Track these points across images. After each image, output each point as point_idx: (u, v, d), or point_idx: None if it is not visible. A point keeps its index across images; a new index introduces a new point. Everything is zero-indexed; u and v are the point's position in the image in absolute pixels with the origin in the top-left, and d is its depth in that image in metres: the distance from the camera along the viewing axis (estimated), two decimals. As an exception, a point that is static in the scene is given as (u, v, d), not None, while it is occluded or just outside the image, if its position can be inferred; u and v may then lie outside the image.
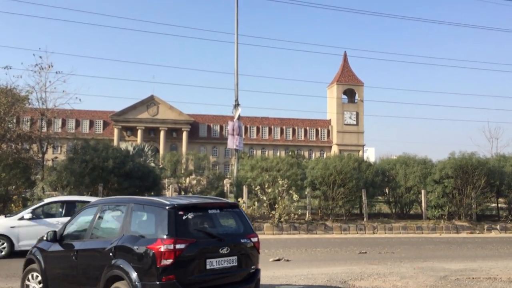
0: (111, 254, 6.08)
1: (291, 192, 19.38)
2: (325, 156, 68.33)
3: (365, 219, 20.69)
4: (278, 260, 12.52)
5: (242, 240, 6.39)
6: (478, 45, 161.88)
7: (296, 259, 12.88)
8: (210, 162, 23.66)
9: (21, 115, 22.91)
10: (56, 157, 25.94)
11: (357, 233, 19.46)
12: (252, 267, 6.47)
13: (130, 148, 28.09)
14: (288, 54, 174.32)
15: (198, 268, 5.84)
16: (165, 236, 5.66)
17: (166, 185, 23.03)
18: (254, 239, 6.52)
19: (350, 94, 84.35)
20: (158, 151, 64.31)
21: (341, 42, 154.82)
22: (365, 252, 14.20)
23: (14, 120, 21.49)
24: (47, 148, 21.59)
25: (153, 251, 5.62)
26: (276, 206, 19.22)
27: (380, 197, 24.35)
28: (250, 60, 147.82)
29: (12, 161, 19.15)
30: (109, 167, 18.47)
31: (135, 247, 5.86)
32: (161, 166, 22.69)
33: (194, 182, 21.31)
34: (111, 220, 6.75)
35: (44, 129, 21.97)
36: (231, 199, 22.42)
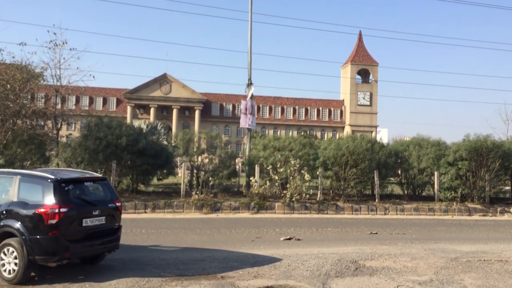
0: (1, 216, 7.58)
1: (303, 172, 19.38)
2: (337, 136, 68.05)
3: (376, 200, 20.67)
4: (289, 239, 12.61)
5: (109, 205, 8.29)
6: (496, 26, 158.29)
7: (307, 238, 12.96)
8: (222, 141, 23.61)
9: (36, 92, 23.07)
10: (71, 134, 26.15)
11: (368, 214, 19.48)
12: (116, 224, 8.40)
13: (143, 126, 28.28)
14: (302, 33, 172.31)
15: (76, 225, 7.63)
16: (51, 202, 7.36)
17: (179, 163, 23.17)
18: (118, 204, 8.47)
19: (364, 74, 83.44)
20: (170, 129, 64.64)
21: (357, 21, 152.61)
22: (376, 233, 14.23)
23: (29, 97, 21.66)
24: (61, 125, 21.78)
25: (41, 214, 7.29)
26: (288, 185, 19.26)
27: (392, 179, 24.25)
28: (264, 38, 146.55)
29: (27, 137, 19.38)
30: (123, 145, 18.61)
31: (25, 211, 7.44)
32: (173, 144, 22.75)
33: (206, 160, 21.33)
34: (0, 189, 8.07)
35: (59, 106, 22.12)
36: (243, 178, 22.52)
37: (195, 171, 21.42)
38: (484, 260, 10.16)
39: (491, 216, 20.19)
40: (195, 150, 21.38)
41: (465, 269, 9.29)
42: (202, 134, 22.55)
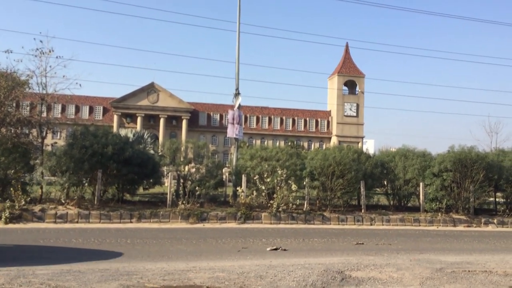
0: None
1: (290, 182, 19.41)
2: (324, 147, 68.35)
3: (363, 211, 20.76)
4: (276, 249, 12.58)
5: None
6: (480, 39, 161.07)
7: (293, 248, 12.94)
8: (209, 151, 23.57)
9: (21, 100, 22.76)
10: (56, 142, 25.89)
11: (355, 224, 19.54)
12: None
13: (130, 135, 28.07)
14: (290, 44, 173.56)
15: None
16: None
17: (165, 173, 23.04)
18: None
19: (351, 85, 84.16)
20: (157, 138, 64.31)
21: (344, 33, 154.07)
22: (362, 243, 14.27)
23: (14, 104, 21.37)
24: (46, 133, 21.52)
25: None
26: (275, 195, 19.27)
27: (378, 189, 24.42)
28: (252, 49, 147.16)
29: (11, 145, 19.09)
30: (109, 153, 18.46)
31: None
32: (160, 153, 22.64)
33: (193, 170, 21.26)
34: None
35: (44, 114, 21.87)
36: (230, 188, 22.46)
37: (181, 180, 21.32)
38: (469, 271, 10.23)
39: (475, 227, 20.40)
40: (182, 159, 21.30)
41: (450, 279, 9.34)
42: (189, 144, 22.48)
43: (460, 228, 20.03)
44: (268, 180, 19.56)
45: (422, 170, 21.89)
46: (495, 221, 21.07)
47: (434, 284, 8.92)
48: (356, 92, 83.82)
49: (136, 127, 66.04)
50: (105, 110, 76.60)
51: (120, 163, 18.72)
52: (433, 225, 20.09)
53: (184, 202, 18.53)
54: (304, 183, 20.59)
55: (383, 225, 19.72)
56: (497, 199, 24.12)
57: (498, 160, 22.71)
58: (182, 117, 76.16)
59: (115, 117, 73.54)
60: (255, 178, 19.76)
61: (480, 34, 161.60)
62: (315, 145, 78.46)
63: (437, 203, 21.22)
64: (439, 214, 20.80)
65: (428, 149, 24.38)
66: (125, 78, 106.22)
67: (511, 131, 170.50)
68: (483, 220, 20.97)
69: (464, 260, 11.73)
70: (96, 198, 18.42)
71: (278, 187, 19.38)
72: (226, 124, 27.73)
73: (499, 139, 74.29)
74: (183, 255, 11.22)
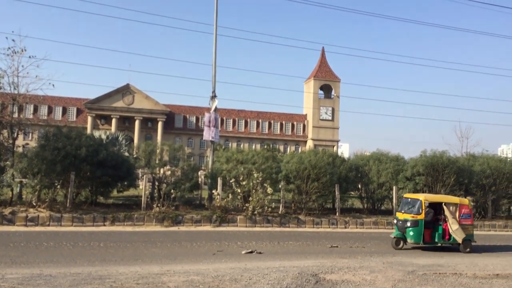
0: None
1: (266, 185, 19.46)
2: (300, 150, 68.70)
3: (337, 214, 20.95)
4: (251, 252, 12.59)
5: None
6: (453, 47, 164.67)
7: (268, 251, 12.98)
8: (185, 153, 23.46)
9: (-8, 100, 22.26)
10: (27, 144, 25.35)
11: (329, 227, 19.70)
12: None
13: (104, 137, 27.65)
14: (267, 47, 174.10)
15: None
16: None
17: (140, 175, 22.79)
18: None
19: (326, 89, 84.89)
20: (132, 140, 63.62)
21: (320, 37, 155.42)
22: (337, 246, 14.41)
23: (-16, 105, 20.87)
24: (18, 134, 21.06)
25: None
26: (250, 199, 19.28)
27: (353, 193, 24.68)
28: (229, 52, 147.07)
29: (-19, 146, 18.63)
30: (82, 155, 18.16)
31: None
32: (135, 155, 22.39)
33: (168, 172, 21.07)
34: None
35: (15, 115, 21.41)
36: (205, 191, 22.36)
37: (156, 183, 21.13)
38: (440, 273, 10.45)
39: (446, 230, 20.77)
40: (157, 162, 21.11)
41: (421, 282, 9.51)
42: (164, 146, 22.31)
43: (432, 231, 20.38)
44: (244, 183, 19.56)
45: (395, 174, 22.24)
46: (465, 224, 21.52)
47: (406, 286, 9.07)
48: (332, 96, 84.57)
49: (110, 129, 65.18)
50: (79, 112, 75.31)
51: (94, 165, 18.44)
52: (405, 228, 20.39)
53: (159, 205, 18.37)
54: (280, 186, 20.66)
55: (357, 228, 19.94)
56: (467, 203, 24.62)
57: (469, 165, 23.25)
58: (158, 119, 75.49)
59: (89, 119, 72.37)
60: (231, 181, 19.73)
61: (454, 42, 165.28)
62: (291, 149, 78.77)
63: (410, 207, 21.55)
64: (412, 217, 21.13)
65: (401, 154, 24.84)
66: (99, 79, 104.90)
67: (481, 137, 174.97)
68: (454, 223, 21.38)
69: (435, 262, 11.98)
70: (68, 200, 18.10)
71: (253, 190, 19.40)
72: (202, 126, 27.65)
73: (470, 144, 75.85)
74: (157, 258, 11.13)
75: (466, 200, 15.62)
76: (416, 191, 21.54)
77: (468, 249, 14.78)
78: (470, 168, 22.98)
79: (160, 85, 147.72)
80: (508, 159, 25.61)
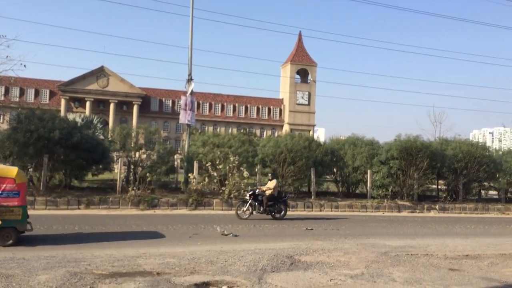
0: None
1: (242, 169, 19.51)
2: (276, 134, 68.97)
3: (313, 197, 21.18)
4: (227, 235, 12.65)
5: None
6: (428, 33, 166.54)
7: (244, 234, 13.06)
8: (161, 137, 23.31)
9: (-40, 81, 21.61)
10: (-2, 126, 24.77)
11: (305, 210, 19.92)
12: None
13: (78, 120, 27.25)
14: (244, 31, 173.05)
15: None
16: None
17: (115, 159, 22.57)
18: None
19: (303, 74, 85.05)
20: (107, 123, 62.72)
21: (297, 22, 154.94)
22: (312, 229, 14.59)
23: (-48, 86, 20.23)
24: (-12, 116, 20.59)
25: None
26: (227, 182, 19.32)
27: (328, 176, 24.96)
28: (206, 35, 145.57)
29: (-51, 128, 18.10)
30: (55, 138, 17.83)
31: None
32: (110, 139, 22.14)
33: (144, 156, 20.92)
34: None
35: (-15, 96, 20.88)
36: (181, 175, 22.30)
37: (132, 166, 20.96)
38: (412, 254, 10.71)
39: (418, 212, 21.29)
40: (132, 145, 20.93)
41: (394, 263, 9.73)
42: (140, 129, 22.12)
43: (405, 213, 20.85)
44: (220, 166, 19.56)
45: (370, 158, 22.55)
46: (437, 207, 22.08)
47: (379, 267, 9.27)
48: (308, 81, 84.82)
49: (85, 112, 64.05)
50: (52, 94, 73.72)
51: (68, 148, 18.14)
52: (379, 211, 20.80)
53: (134, 188, 18.26)
54: (256, 170, 20.74)
55: (332, 211, 20.22)
56: (439, 186, 25.24)
57: (441, 149, 23.72)
58: (133, 103, 74.55)
59: (63, 101, 70.96)
60: (207, 164, 19.71)
61: (428, 28, 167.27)
62: (267, 133, 78.97)
63: (384, 190, 21.99)
64: (385, 200, 21.57)
65: (376, 138, 25.17)
66: (73, 61, 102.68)
67: (454, 122, 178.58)
68: (426, 206, 21.92)
69: (408, 244, 12.26)
70: (42, 184, 17.80)
71: (230, 174, 19.43)
72: (179, 110, 27.42)
73: (443, 129, 77.48)
74: (132, 241, 11.08)
75: (11, 171, 10.34)
76: (390, 175, 21.92)
77: (10, 241, 10.02)
78: (443, 152, 23.45)
79: (136, 68, 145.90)
80: (479, 144, 26.24)
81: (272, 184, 16.30)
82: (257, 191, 16.20)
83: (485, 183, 25.60)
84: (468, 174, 23.56)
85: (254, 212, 15.95)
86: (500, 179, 25.02)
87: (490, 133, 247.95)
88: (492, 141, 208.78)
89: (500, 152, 28.42)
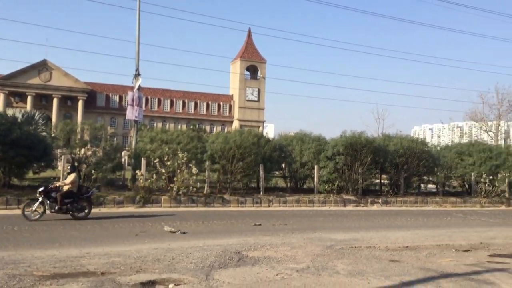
0: None
1: (191, 165, 19.38)
2: (226, 131, 69.00)
3: (261, 193, 21.37)
4: (174, 232, 12.56)
5: None
6: (376, 32, 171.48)
7: (192, 231, 13.01)
8: (107, 133, 22.79)
9: None
10: None
11: (253, 206, 20.08)
12: None
13: (18, 115, 26.03)
14: (194, 26, 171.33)
15: None
16: None
17: (59, 156, 21.82)
18: None
19: (253, 70, 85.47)
20: (50, 119, 60.42)
21: (246, 18, 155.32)
22: (260, 224, 14.73)
23: None
24: None
25: None
26: (175, 179, 19.14)
27: (277, 172, 25.24)
28: (154, 29, 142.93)
29: None
30: (-7, 135, 17.01)
31: None
32: (53, 135, 21.36)
33: (89, 153, 20.33)
34: None
35: None
36: (129, 172, 21.86)
37: (76, 164, 20.31)
38: (355, 247, 11.06)
39: (363, 206, 21.97)
40: (77, 141, 20.29)
41: (338, 256, 10.02)
42: (85, 125, 21.54)
43: (350, 207, 21.46)
44: (169, 163, 19.35)
45: (317, 153, 23.01)
46: (380, 200, 22.86)
47: (324, 260, 9.52)
48: (258, 77, 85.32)
49: (26, 107, 61.43)
50: (-10, 88, 70.12)
51: (7, 145, 17.35)
52: (326, 206, 21.29)
53: (79, 186, 17.71)
54: (205, 166, 20.68)
55: (280, 206, 20.50)
56: (382, 181, 26.13)
57: (384, 145, 24.54)
58: (78, 98, 72.24)
59: (1, 96, 67.71)
60: (155, 161, 19.45)
61: (377, 28, 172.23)
62: (217, 129, 78.80)
63: (330, 185, 22.53)
64: (332, 195, 22.10)
65: (323, 134, 25.69)
66: (13, 54, 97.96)
67: (396, 118, 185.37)
68: (369, 200, 22.65)
69: (352, 237, 12.64)
70: (-22, 183, 16.93)
71: (178, 171, 19.27)
72: (126, 106, 26.85)
73: (386, 125, 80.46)
74: (76, 241, 10.78)
75: None
76: (336, 170, 22.47)
77: None
78: (386, 148, 24.27)
79: (81, 62, 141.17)
80: (419, 140, 27.36)
81: (70, 178, 14.30)
82: (50, 186, 14.15)
83: (425, 177, 26.72)
84: (409, 169, 24.50)
85: (47, 212, 13.85)
86: (438, 173, 26.20)
87: (430, 129, 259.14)
88: (432, 137, 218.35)
89: (439, 148, 29.79)
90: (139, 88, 22.78)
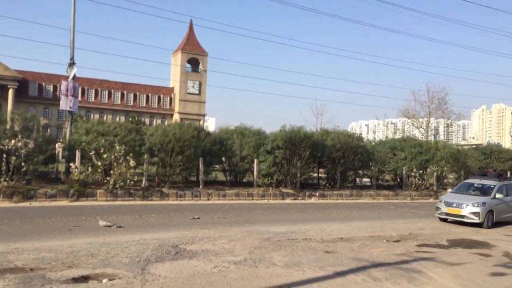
0: None
1: (129, 158, 18.93)
2: (166, 123, 67.97)
3: (201, 186, 21.28)
4: (110, 226, 12.26)
5: None
6: (315, 30, 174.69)
7: (129, 225, 12.76)
8: (40, 124, 21.72)
9: None
10: None
11: (193, 199, 19.97)
12: None
13: None
14: (134, 16, 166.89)
15: None
16: None
17: (-15, 147, 20.58)
18: None
19: (194, 63, 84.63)
20: (-24, 108, 56.95)
21: (188, 10, 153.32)
22: (199, 218, 14.69)
23: None
24: None
25: None
26: (112, 172, 18.63)
27: (217, 166, 25.18)
28: (92, 17, 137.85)
29: None
30: None
31: None
32: (-21, 125, 20.10)
33: (19, 144, 19.32)
34: None
35: None
36: (63, 164, 21.01)
37: (5, 155, 19.24)
38: (292, 239, 11.32)
39: (300, 199, 22.44)
40: (6, 132, 19.22)
41: (276, 248, 10.21)
42: (15, 115, 20.39)
43: (288, 201, 21.85)
44: (105, 156, 18.80)
45: (257, 147, 23.18)
46: (317, 194, 23.44)
47: (261, 252, 9.66)
48: (199, 70, 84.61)
49: (-52, 95, 57.49)
50: None
51: None
52: (264, 199, 21.55)
53: (7, 179, 16.88)
54: (143, 159, 20.28)
55: (219, 200, 20.51)
56: (320, 175, 26.79)
57: (322, 139, 25.13)
58: (9, 86, 68.44)
59: None
60: (91, 153, 18.81)
61: (316, 26, 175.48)
62: (157, 122, 77.42)
63: (269, 179, 22.80)
64: (270, 188, 22.40)
65: (264, 128, 25.88)
66: None
67: (334, 114, 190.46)
68: (307, 193, 23.16)
69: (289, 229, 12.91)
70: None
71: (115, 163, 18.76)
72: (60, 96, 25.78)
73: (324, 120, 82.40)
74: (3, 236, 10.25)
75: None
76: (275, 164, 22.76)
77: None
78: (323, 142, 24.85)
79: (12, 49, 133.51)
80: (356, 135, 28.28)
81: None
82: None
83: (360, 171, 27.66)
84: (345, 163, 25.26)
85: None
86: (372, 168, 27.21)
87: (366, 125, 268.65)
88: (368, 133, 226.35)
89: (373, 143, 30.95)
90: (74, 78, 21.93)
